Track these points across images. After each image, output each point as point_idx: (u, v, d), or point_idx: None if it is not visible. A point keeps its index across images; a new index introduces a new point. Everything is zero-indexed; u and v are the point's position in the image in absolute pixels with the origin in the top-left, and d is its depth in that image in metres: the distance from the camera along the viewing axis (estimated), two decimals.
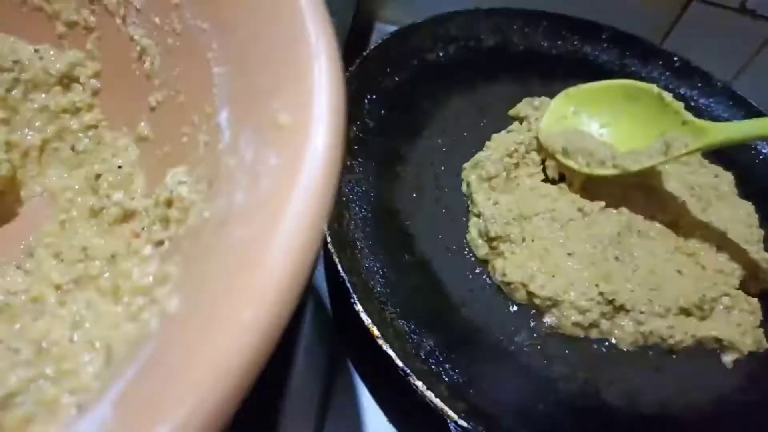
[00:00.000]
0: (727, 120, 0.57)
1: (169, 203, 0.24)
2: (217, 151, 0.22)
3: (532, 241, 0.41)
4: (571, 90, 0.48)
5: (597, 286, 0.39)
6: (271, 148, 0.18)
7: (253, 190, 0.17)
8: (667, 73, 0.59)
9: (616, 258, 0.41)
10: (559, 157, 0.45)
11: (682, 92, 0.58)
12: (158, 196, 0.24)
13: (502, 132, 0.49)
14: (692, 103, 0.58)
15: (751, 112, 0.57)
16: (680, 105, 0.44)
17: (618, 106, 0.47)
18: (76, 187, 0.29)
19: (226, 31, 0.23)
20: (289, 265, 0.14)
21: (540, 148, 0.47)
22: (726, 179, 0.51)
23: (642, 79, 0.58)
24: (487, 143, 0.47)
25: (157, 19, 0.27)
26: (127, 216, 0.26)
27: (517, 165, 0.46)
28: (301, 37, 0.20)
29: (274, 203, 0.16)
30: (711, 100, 0.58)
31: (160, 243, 0.23)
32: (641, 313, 0.39)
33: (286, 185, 0.16)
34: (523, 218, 0.42)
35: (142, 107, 0.29)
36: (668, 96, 0.44)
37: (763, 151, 0.56)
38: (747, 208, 0.49)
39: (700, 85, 0.59)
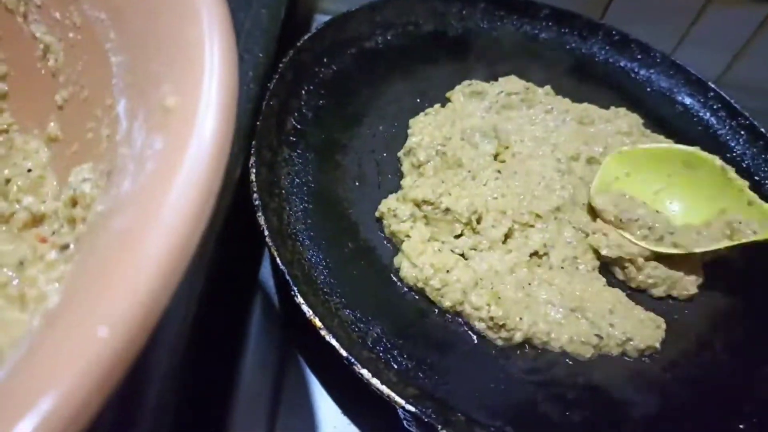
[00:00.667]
0: (668, 89, 0.58)
1: (74, 202, 0.23)
2: (115, 143, 0.21)
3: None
4: (626, 149, 0.46)
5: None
6: (158, 132, 0.17)
7: (138, 177, 0.16)
8: (607, 47, 0.59)
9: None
10: (616, 227, 0.43)
11: (622, 65, 0.59)
12: (63, 195, 0.23)
13: (420, 115, 0.48)
14: (633, 75, 0.59)
15: (691, 80, 0.57)
16: (745, 183, 0.42)
17: (676, 173, 0.44)
18: None
19: (122, 19, 0.23)
20: (166, 249, 0.14)
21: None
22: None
23: (582, 54, 0.59)
24: (411, 128, 0.47)
25: (57, 14, 0.26)
26: (37, 220, 0.25)
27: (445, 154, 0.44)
28: (193, 19, 0.20)
29: (155, 188, 0.15)
30: (651, 71, 0.59)
31: (65, 247, 0.22)
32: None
33: (168, 169, 0.16)
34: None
35: (51, 107, 0.27)
36: (731, 171, 0.42)
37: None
38: None
39: (639, 57, 0.59)
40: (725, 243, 0.40)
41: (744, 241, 0.40)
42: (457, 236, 0.41)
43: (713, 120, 0.56)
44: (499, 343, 0.37)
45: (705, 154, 0.43)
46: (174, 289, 0.14)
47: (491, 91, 0.50)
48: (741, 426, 0.37)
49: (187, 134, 0.16)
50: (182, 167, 0.15)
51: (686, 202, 0.44)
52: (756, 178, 0.52)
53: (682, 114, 0.56)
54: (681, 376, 0.39)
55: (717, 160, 0.43)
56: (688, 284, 0.42)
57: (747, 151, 0.54)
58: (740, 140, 0.54)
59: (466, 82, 0.51)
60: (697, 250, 0.41)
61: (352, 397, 0.37)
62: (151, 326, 0.13)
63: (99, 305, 0.13)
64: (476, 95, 0.50)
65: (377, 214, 0.42)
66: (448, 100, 0.50)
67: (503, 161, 0.46)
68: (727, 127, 0.55)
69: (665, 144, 0.45)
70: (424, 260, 0.38)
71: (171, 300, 0.14)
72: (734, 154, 0.54)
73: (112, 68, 0.23)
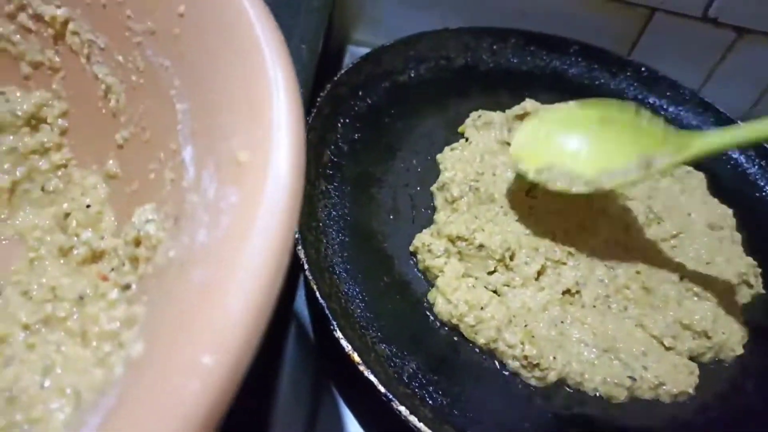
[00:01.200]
0: (697, 127, 0.59)
1: (137, 242, 0.24)
2: (181, 189, 0.22)
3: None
4: (542, 111, 0.47)
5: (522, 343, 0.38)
6: (232, 185, 0.18)
7: (214, 229, 0.17)
8: (636, 84, 0.60)
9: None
10: (531, 176, 0.44)
11: (651, 101, 0.59)
12: (126, 234, 0.24)
13: (446, 150, 0.49)
14: (662, 112, 0.59)
15: (720, 118, 0.58)
16: (659, 121, 0.42)
17: (594, 126, 0.45)
18: (46, 226, 0.29)
19: (186, 67, 0.24)
20: (249, 305, 0.14)
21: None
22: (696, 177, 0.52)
23: (611, 90, 0.60)
24: (442, 164, 0.47)
25: (120, 58, 0.27)
26: (96, 256, 0.26)
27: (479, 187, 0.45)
28: (260, 72, 0.21)
29: (234, 242, 0.16)
30: (680, 108, 0.59)
31: (127, 287, 0.23)
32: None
33: (245, 223, 0.16)
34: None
35: (110, 145, 0.29)
36: (646, 113, 0.43)
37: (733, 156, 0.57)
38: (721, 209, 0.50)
39: (668, 94, 0.60)
40: (641, 173, 0.41)
41: (660, 168, 0.40)
42: (491, 272, 0.41)
43: (743, 159, 0.56)
44: (533, 382, 0.37)
45: (620, 102, 0.44)
46: (258, 341, 0.14)
47: (497, 119, 0.51)
48: None
49: (261, 189, 0.17)
50: (258, 222, 0.16)
51: (607, 151, 0.44)
52: None
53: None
54: (714, 417, 0.39)
55: (632, 106, 0.43)
56: (735, 345, 0.42)
57: None
58: None
59: (474, 114, 0.51)
60: (609, 186, 0.41)
61: (385, 430, 0.38)
62: (238, 380, 0.14)
63: (188, 359, 0.14)
64: (487, 126, 0.51)
65: (411, 248, 0.42)
66: (462, 134, 0.51)
67: (535, 197, 0.46)
68: (756, 167, 0.56)
69: (580, 101, 0.45)
70: (459, 296, 0.39)
71: (254, 354, 0.14)
72: (764, 194, 0.54)
73: (177, 114, 0.24)
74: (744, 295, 0.45)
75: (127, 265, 0.24)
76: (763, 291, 0.45)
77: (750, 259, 0.46)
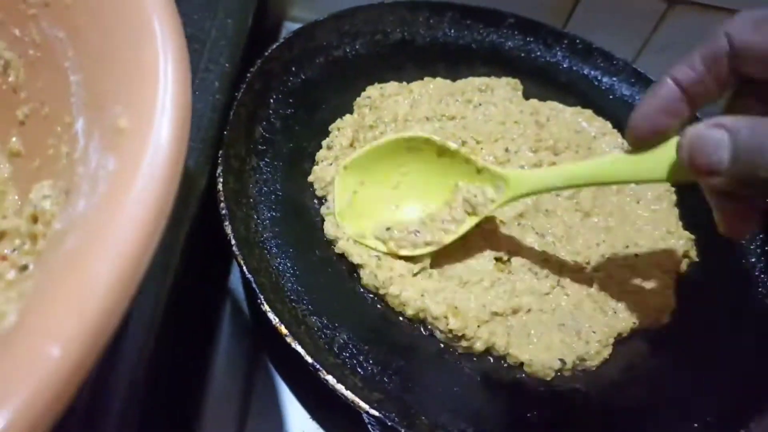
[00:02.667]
0: (630, 97, 0.60)
1: (34, 219, 0.23)
2: (73, 161, 0.21)
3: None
4: (348, 161, 0.42)
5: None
6: (111, 152, 0.18)
7: (91, 197, 0.17)
8: (571, 56, 0.61)
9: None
10: (368, 242, 0.41)
11: (585, 72, 0.60)
12: (25, 212, 0.24)
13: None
14: (596, 83, 0.60)
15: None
16: (467, 152, 0.41)
17: (403, 161, 0.42)
18: None
19: (79, 38, 0.23)
20: (116, 272, 0.14)
21: None
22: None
23: (547, 62, 0.60)
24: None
25: (17, 31, 0.26)
26: None
27: None
28: (148, 40, 0.20)
29: (106, 209, 0.16)
30: (614, 79, 0.60)
31: (25, 268, 0.22)
32: None
33: (119, 191, 0.16)
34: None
35: (12, 121, 0.28)
36: (452, 144, 0.41)
37: None
38: None
39: (602, 65, 0.61)
40: (473, 221, 0.40)
41: (487, 213, 0.40)
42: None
43: None
44: (461, 351, 0.38)
45: (419, 134, 0.41)
46: (125, 307, 0.14)
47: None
48: (695, 425, 0.38)
49: (139, 156, 0.17)
50: (133, 189, 0.16)
51: (423, 187, 0.42)
52: None
53: None
54: (637, 375, 0.40)
55: (433, 137, 0.41)
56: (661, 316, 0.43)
57: None
58: None
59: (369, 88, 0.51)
60: (449, 240, 0.40)
61: (320, 402, 0.38)
62: (102, 344, 0.14)
63: (50, 326, 0.14)
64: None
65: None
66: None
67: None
68: None
69: (379, 140, 0.42)
70: (384, 269, 0.39)
71: (122, 318, 0.14)
72: None
73: (71, 86, 0.23)
74: (681, 267, 0.46)
75: (27, 244, 0.24)
76: (696, 259, 0.47)
77: (688, 233, 0.47)
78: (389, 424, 0.32)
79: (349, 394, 0.32)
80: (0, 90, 0.28)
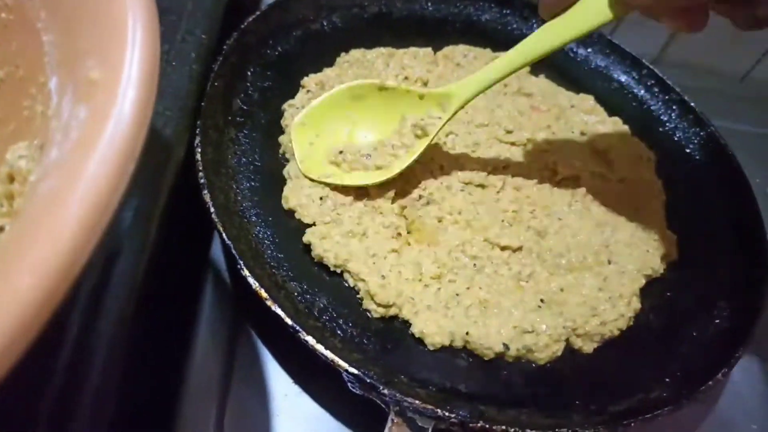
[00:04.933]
0: (605, 68, 0.61)
1: (11, 178, 0.23)
2: (47, 118, 0.22)
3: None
4: (298, 119, 0.45)
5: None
6: (83, 103, 0.18)
7: (64, 144, 0.17)
8: None
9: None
10: (331, 181, 0.43)
11: None
12: (1, 173, 0.24)
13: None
14: (572, 54, 0.61)
15: (625, 58, 0.60)
16: (407, 86, 0.43)
17: (351, 110, 0.45)
18: None
19: None
20: (86, 209, 0.15)
21: None
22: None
23: (523, 35, 0.61)
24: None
25: None
26: None
27: None
28: None
29: (78, 153, 0.16)
30: (589, 50, 0.61)
31: (1, 229, 0.23)
32: None
33: (90, 136, 0.17)
34: None
35: None
36: (389, 82, 0.44)
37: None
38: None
39: None
40: (424, 143, 0.42)
41: (437, 130, 0.41)
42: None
43: (647, 95, 0.59)
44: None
45: (362, 81, 0.45)
46: (96, 242, 0.15)
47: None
48: (667, 379, 0.40)
49: (109, 104, 0.17)
50: (104, 134, 0.17)
51: (373, 127, 0.45)
52: (687, 150, 0.55)
53: (618, 90, 0.59)
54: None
55: (372, 81, 0.44)
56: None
57: (678, 125, 0.57)
58: (672, 114, 0.57)
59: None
60: (402, 167, 0.42)
61: (301, 366, 0.39)
62: (74, 276, 0.14)
63: (23, 259, 0.14)
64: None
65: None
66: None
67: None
68: (659, 102, 0.58)
69: (325, 93, 0.45)
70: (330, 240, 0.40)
71: (93, 253, 0.15)
72: (666, 128, 0.57)
73: (44, 46, 0.23)
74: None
75: (5, 205, 0.24)
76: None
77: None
78: (368, 381, 0.33)
79: (329, 354, 0.33)
80: None
